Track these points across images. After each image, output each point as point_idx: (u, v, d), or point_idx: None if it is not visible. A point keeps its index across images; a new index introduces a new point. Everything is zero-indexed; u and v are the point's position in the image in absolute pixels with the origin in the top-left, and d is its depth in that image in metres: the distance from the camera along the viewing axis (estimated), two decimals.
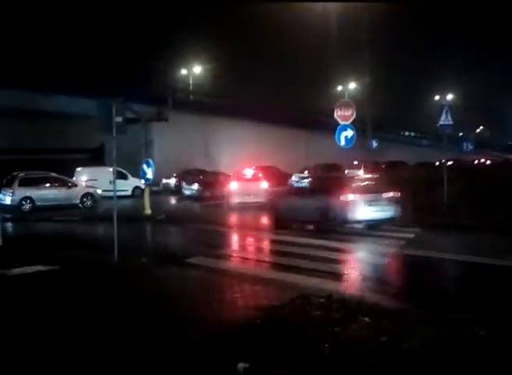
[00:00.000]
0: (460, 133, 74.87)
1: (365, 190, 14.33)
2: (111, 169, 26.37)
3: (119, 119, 10.56)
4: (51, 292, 7.93)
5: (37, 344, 5.60)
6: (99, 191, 24.24)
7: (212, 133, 41.03)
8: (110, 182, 21.10)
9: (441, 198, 17.03)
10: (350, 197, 13.89)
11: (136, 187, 27.89)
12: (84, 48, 45.70)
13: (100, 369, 4.97)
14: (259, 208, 20.16)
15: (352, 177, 16.75)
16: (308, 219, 14.89)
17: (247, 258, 11.29)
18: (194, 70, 52.73)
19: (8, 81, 30.86)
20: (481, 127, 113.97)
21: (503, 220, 13.75)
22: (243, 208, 21.37)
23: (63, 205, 22.42)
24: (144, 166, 18.75)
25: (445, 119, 17.06)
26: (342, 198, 13.93)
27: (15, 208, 22.36)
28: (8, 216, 19.79)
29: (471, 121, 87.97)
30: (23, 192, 22.69)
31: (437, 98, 72.34)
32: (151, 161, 18.95)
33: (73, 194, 23.52)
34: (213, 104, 43.90)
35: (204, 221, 17.80)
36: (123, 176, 27.18)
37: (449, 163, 28.31)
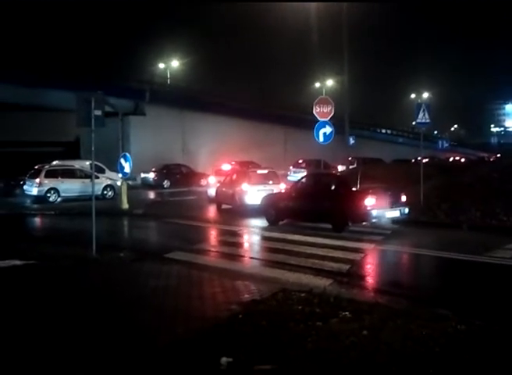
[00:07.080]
0: (435, 132, 75.89)
1: (257, 181, 18.44)
2: (87, 163, 26.28)
3: (98, 112, 10.45)
4: (25, 287, 7.77)
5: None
6: (119, 183, 24.30)
7: (190, 128, 40.81)
8: None
9: (417, 195, 17.16)
10: (246, 186, 18.05)
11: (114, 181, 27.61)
12: (60, 42, 45.06)
13: (77, 365, 4.90)
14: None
15: (253, 172, 20.20)
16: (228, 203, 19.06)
17: (226, 253, 11.24)
18: (172, 64, 52.33)
19: None
20: (456, 126, 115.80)
21: (480, 217, 13.94)
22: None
23: (86, 196, 22.18)
24: (122, 160, 18.52)
25: (422, 117, 17.12)
26: (242, 187, 18.13)
27: (41, 198, 23.35)
28: None
29: (445, 120, 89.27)
30: (48, 183, 23.60)
31: (413, 96, 73.30)
32: (128, 155, 18.75)
33: (96, 186, 23.85)
34: (191, 98, 43.59)
35: (182, 216, 17.67)
36: (100, 170, 26.84)
37: (425, 161, 28.61)
